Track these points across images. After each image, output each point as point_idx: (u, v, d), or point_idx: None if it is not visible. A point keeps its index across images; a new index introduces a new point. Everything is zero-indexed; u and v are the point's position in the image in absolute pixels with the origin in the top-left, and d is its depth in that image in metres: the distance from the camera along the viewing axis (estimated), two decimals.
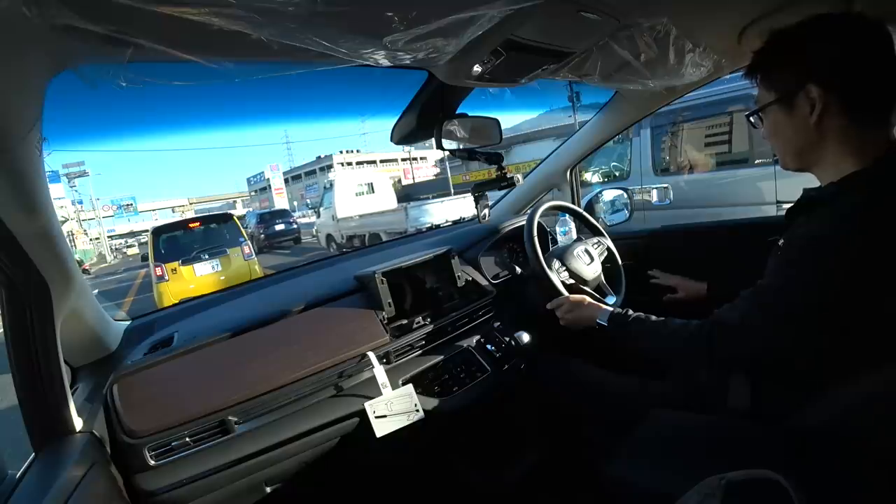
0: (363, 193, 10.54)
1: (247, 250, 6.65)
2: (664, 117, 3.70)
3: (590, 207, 1.64)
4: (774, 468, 0.55)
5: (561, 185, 1.79)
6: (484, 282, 1.41)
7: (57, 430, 0.80)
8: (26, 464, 0.75)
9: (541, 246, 1.28)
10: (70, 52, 0.56)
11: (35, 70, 0.56)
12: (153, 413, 0.90)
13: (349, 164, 46.00)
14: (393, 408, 1.04)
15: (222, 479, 0.93)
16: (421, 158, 41.21)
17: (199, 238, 6.77)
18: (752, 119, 0.82)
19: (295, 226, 15.10)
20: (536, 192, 1.81)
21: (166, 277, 6.12)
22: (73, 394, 0.85)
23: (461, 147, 1.27)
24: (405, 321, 1.21)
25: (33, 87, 0.57)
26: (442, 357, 1.22)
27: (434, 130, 1.17)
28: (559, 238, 1.47)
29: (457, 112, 1.23)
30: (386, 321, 1.17)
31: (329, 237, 10.66)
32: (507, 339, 1.29)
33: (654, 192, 2.97)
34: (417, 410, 1.05)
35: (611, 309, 1.02)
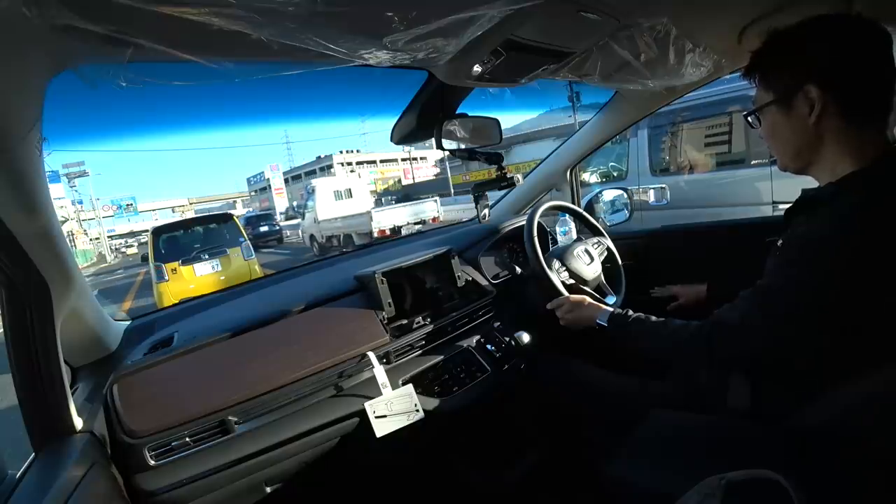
0: (342, 198, 11.37)
1: (246, 250, 6.68)
2: (662, 118, 3.72)
3: (590, 207, 1.64)
4: (774, 468, 0.55)
5: (561, 185, 1.79)
6: (484, 282, 1.41)
7: (57, 430, 0.80)
8: (26, 464, 0.75)
9: (541, 246, 1.28)
10: (70, 52, 0.56)
11: (35, 70, 0.56)
12: (153, 413, 0.90)
13: (349, 163, 46.03)
14: (393, 408, 1.04)
15: (222, 479, 0.93)
16: (421, 158, 41.24)
17: (199, 238, 6.80)
18: (749, 119, 0.82)
19: (277, 227, 16.82)
20: (536, 192, 1.81)
21: (166, 277, 6.13)
22: (73, 394, 0.85)
23: (461, 147, 1.27)
24: (405, 321, 1.21)
25: (33, 87, 0.57)
26: (442, 357, 1.22)
27: (434, 130, 1.18)
28: (559, 238, 1.47)
29: (457, 112, 1.23)
30: (386, 321, 1.17)
31: (312, 237, 11.47)
32: (507, 339, 1.29)
33: (651, 193, 2.89)
34: (417, 410, 1.05)
35: (611, 309, 1.02)
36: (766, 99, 0.77)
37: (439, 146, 1.18)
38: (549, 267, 1.27)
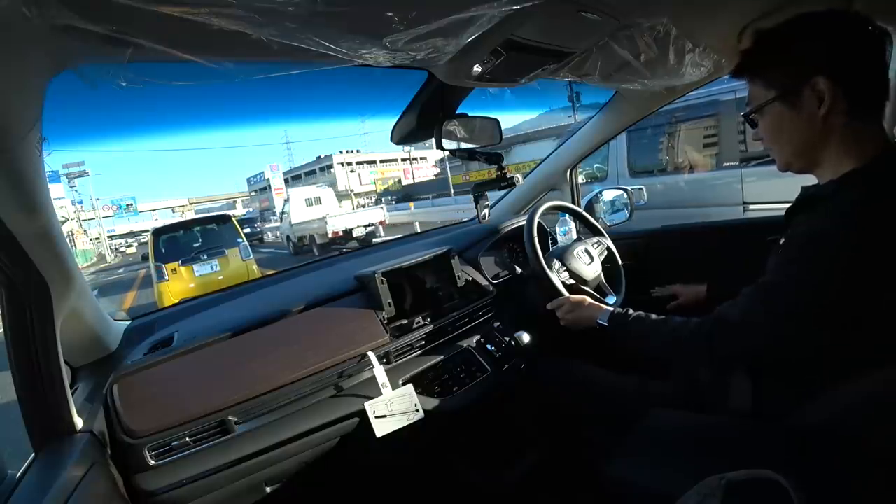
0: (312, 204, 13.10)
1: (244, 250, 6.78)
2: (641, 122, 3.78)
3: (590, 207, 1.64)
4: (774, 468, 0.55)
5: (561, 185, 1.79)
6: (484, 282, 1.41)
7: (57, 430, 0.80)
8: (26, 464, 0.75)
9: (541, 246, 1.28)
10: (70, 52, 0.56)
11: (35, 70, 0.56)
12: (153, 413, 0.90)
13: (349, 163, 46.03)
14: (393, 408, 1.04)
15: (222, 479, 0.93)
16: (421, 158, 41.26)
17: (198, 239, 6.90)
18: (748, 120, 0.81)
19: (259, 229, 21.05)
20: (536, 192, 1.81)
21: (166, 277, 6.22)
22: (73, 394, 0.85)
23: (461, 147, 1.27)
24: (405, 321, 1.21)
25: (33, 87, 0.57)
26: (442, 357, 1.22)
27: (434, 130, 1.18)
28: (559, 238, 1.47)
29: (457, 112, 1.23)
30: (386, 321, 1.17)
31: (288, 237, 13.48)
32: (507, 339, 1.29)
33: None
34: (417, 410, 1.05)
35: (611, 309, 1.02)
36: (766, 96, 0.75)
37: (439, 146, 1.18)
38: (549, 267, 1.27)
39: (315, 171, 48.60)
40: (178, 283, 6.19)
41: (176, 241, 6.83)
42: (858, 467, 0.65)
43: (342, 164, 45.57)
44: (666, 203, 3.55)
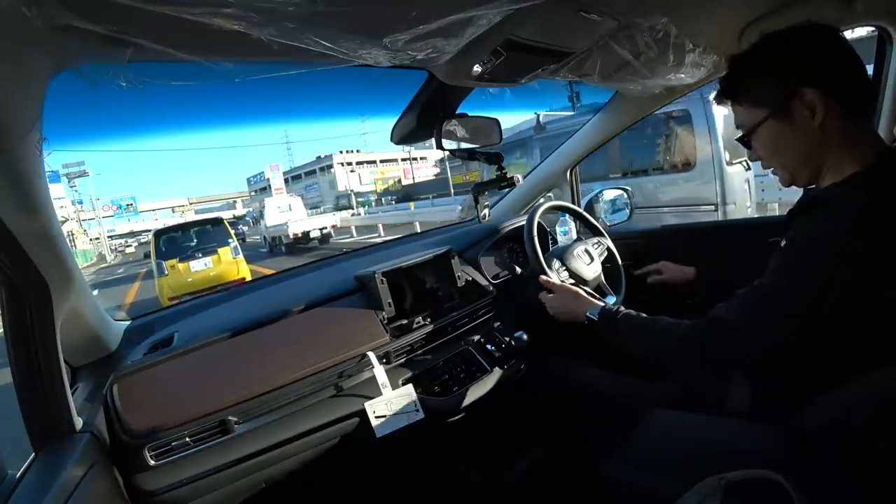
0: (284, 211, 15.29)
1: (234, 249, 7.50)
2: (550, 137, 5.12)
3: (590, 207, 1.64)
4: (774, 468, 0.55)
5: (561, 185, 1.79)
6: (484, 282, 1.41)
7: (57, 430, 0.80)
8: (26, 464, 0.75)
9: (541, 246, 1.28)
10: (70, 52, 0.56)
11: (35, 70, 0.56)
12: (153, 413, 0.90)
13: (349, 163, 46.06)
14: (393, 408, 1.04)
15: (222, 479, 0.93)
16: (421, 158, 41.26)
17: (194, 239, 7.70)
18: (743, 142, 0.80)
19: (241, 230, 22.99)
20: (536, 192, 1.81)
21: (166, 272, 6.88)
22: (73, 394, 0.85)
23: (461, 147, 1.27)
24: (405, 321, 1.21)
25: (33, 86, 0.57)
26: (442, 357, 1.22)
27: (434, 130, 1.18)
28: (559, 238, 1.47)
29: (457, 112, 1.23)
30: (386, 321, 1.17)
31: (264, 238, 16.16)
32: (507, 339, 1.29)
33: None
34: (417, 410, 1.05)
35: (602, 304, 1.01)
36: (759, 116, 0.75)
37: (439, 146, 1.18)
38: (549, 267, 1.27)
39: (315, 171, 48.65)
40: (177, 277, 6.88)
41: (175, 241, 7.58)
42: (858, 468, 0.65)
43: (342, 164, 45.61)
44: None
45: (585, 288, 1.29)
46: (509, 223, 1.65)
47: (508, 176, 1.32)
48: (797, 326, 0.70)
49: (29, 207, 0.66)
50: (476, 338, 1.30)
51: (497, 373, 1.24)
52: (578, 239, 1.44)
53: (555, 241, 1.50)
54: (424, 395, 1.11)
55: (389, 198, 33.37)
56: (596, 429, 1.19)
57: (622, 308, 0.96)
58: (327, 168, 46.54)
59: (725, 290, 0.79)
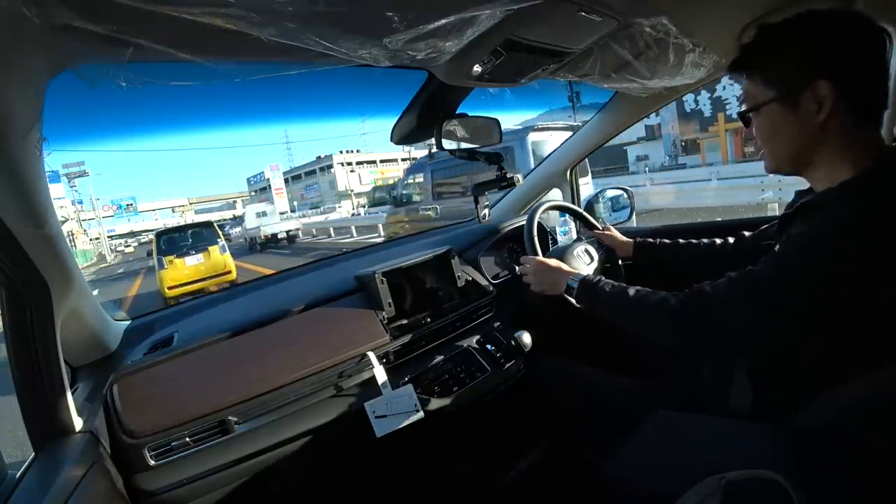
0: (261, 216, 18.03)
1: (221, 248, 8.95)
2: (439, 163, 6.37)
3: (590, 207, 1.64)
4: (774, 468, 0.55)
5: (561, 184, 1.79)
6: (484, 282, 1.41)
7: (57, 430, 0.80)
8: (26, 464, 0.75)
9: (541, 246, 1.28)
10: (70, 52, 0.56)
11: (35, 70, 0.56)
12: (153, 413, 0.90)
13: (349, 163, 46.04)
14: (393, 408, 1.04)
15: (222, 479, 0.93)
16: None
17: (188, 238, 9.17)
18: (743, 118, 0.78)
19: (227, 231, 24.07)
20: (536, 192, 1.81)
21: (165, 266, 8.29)
22: (73, 393, 0.85)
23: (461, 147, 1.27)
24: (405, 321, 1.21)
25: (33, 86, 0.57)
26: (442, 357, 1.22)
27: (434, 130, 1.17)
28: (559, 238, 1.47)
29: (457, 112, 1.23)
30: (386, 321, 1.17)
31: (244, 238, 18.96)
32: (507, 339, 1.29)
33: (430, 211, 6.27)
34: (417, 410, 1.05)
35: (583, 274, 0.99)
36: (766, 96, 0.72)
37: (439, 146, 1.18)
38: None
39: (315, 172, 48.63)
40: (174, 271, 8.29)
41: (173, 241, 9.04)
42: (858, 468, 0.65)
43: (342, 165, 45.59)
44: (448, 215, 5.81)
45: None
46: (509, 223, 1.65)
47: (508, 176, 1.31)
48: (783, 318, 0.68)
49: (29, 207, 0.66)
50: (476, 338, 1.30)
51: (497, 373, 1.24)
52: (578, 239, 1.44)
53: (555, 241, 1.50)
54: (424, 394, 1.11)
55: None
56: (596, 429, 1.19)
57: (602, 278, 0.95)
58: (327, 168, 46.52)
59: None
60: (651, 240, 1.28)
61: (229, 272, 8.60)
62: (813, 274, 0.65)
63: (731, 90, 16.94)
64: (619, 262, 1.45)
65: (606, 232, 1.36)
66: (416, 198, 6.92)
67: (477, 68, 0.91)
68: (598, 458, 0.93)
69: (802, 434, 0.73)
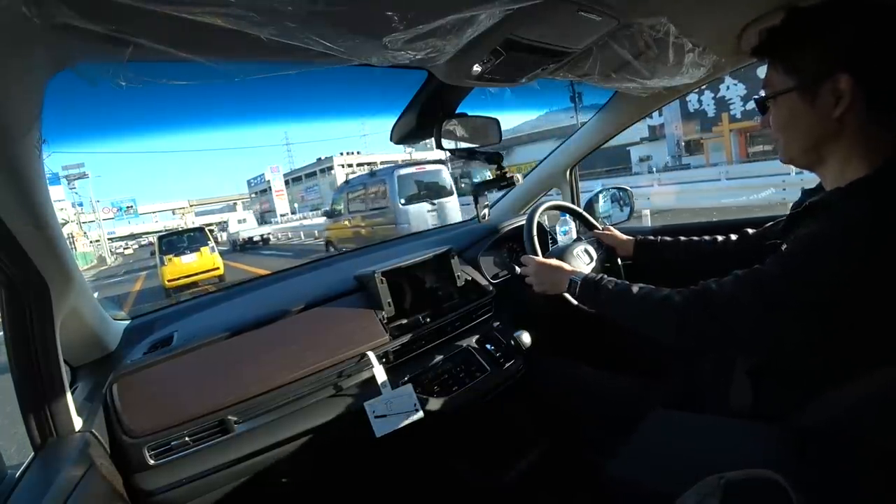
0: (242, 223, 21.94)
1: (211, 248, 11.15)
2: (350, 187, 8.89)
3: (589, 207, 1.64)
4: (774, 468, 0.55)
5: (561, 184, 1.79)
6: (484, 281, 1.41)
7: (56, 430, 0.80)
8: (26, 463, 0.75)
9: (541, 246, 1.28)
10: (69, 50, 0.56)
11: (35, 69, 0.56)
12: (152, 412, 0.90)
13: (350, 165, 46.04)
14: (392, 407, 1.04)
15: (221, 478, 0.93)
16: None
17: (185, 241, 11.27)
18: (759, 104, 0.76)
19: (215, 236, 29.87)
20: (536, 192, 1.81)
21: (165, 263, 10.51)
22: (72, 393, 0.85)
23: (461, 147, 1.27)
24: (405, 321, 1.21)
25: (33, 86, 0.57)
26: (442, 357, 1.22)
27: (434, 130, 1.18)
28: (559, 238, 1.47)
29: (456, 112, 1.23)
30: (385, 321, 1.17)
31: (228, 240, 22.37)
32: (507, 338, 1.29)
33: (346, 221, 8.59)
34: (417, 410, 1.05)
35: (584, 273, 0.99)
36: (786, 84, 0.70)
37: (439, 146, 1.18)
38: None
39: (315, 173, 48.64)
40: (173, 267, 10.43)
41: (171, 243, 11.24)
42: (858, 467, 0.65)
43: (342, 166, 45.60)
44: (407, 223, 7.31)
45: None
46: (509, 223, 1.65)
47: (508, 176, 1.32)
48: (788, 317, 0.68)
49: (29, 207, 0.67)
50: (476, 337, 1.30)
51: (497, 373, 1.23)
52: (578, 239, 1.44)
53: (555, 241, 1.50)
54: (424, 394, 1.11)
55: None
56: (596, 428, 1.19)
57: (604, 276, 0.95)
58: (328, 170, 46.52)
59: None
60: (652, 238, 1.28)
61: (217, 268, 10.75)
62: (820, 274, 0.64)
63: (734, 90, 16.89)
64: (619, 261, 1.45)
65: (606, 231, 1.36)
66: (339, 211, 9.01)
67: (476, 68, 0.91)
68: (598, 457, 0.93)
69: (803, 433, 0.73)
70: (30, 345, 0.75)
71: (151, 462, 0.88)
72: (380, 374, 1.06)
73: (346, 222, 8.71)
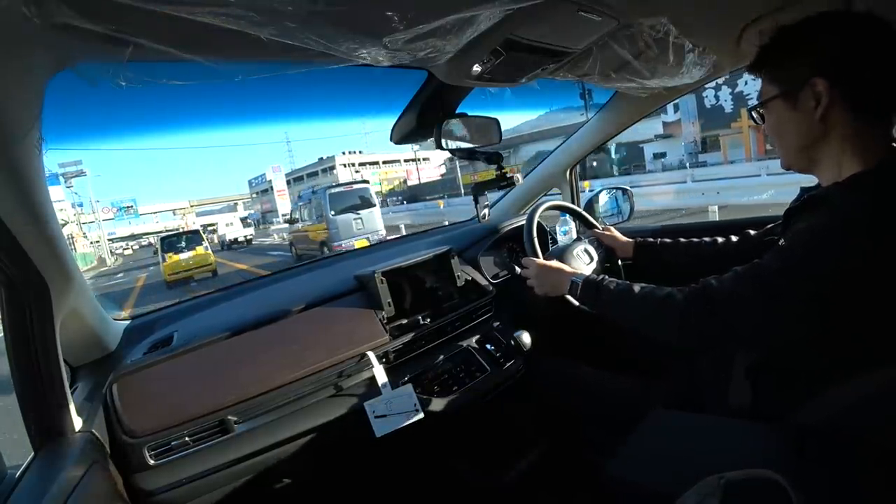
0: (230, 225, 26.56)
1: (205, 247, 13.36)
2: (301, 200, 12.42)
3: (589, 207, 1.64)
4: (774, 468, 0.55)
5: (561, 184, 1.79)
6: (483, 281, 1.41)
7: (56, 430, 0.80)
8: (26, 463, 0.75)
9: (541, 246, 1.28)
10: (69, 50, 0.56)
11: (35, 69, 0.56)
12: (153, 412, 0.90)
13: (352, 164, 46.05)
14: (392, 408, 1.04)
15: (222, 478, 0.93)
16: (424, 159, 41.29)
17: (182, 241, 13.51)
18: (754, 115, 0.80)
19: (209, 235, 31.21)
20: (536, 192, 1.81)
21: (166, 260, 12.74)
22: (72, 393, 0.85)
23: (461, 147, 1.27)
24: (405, 321, 1.21)
25: (33, 86, 0.57)
26: (442, 357, 1.22)
27: (434, 130, 1.18)
28: (559, 238, 1.47)
29: (456, 112, 1.23)
30: (385, 321, 1.17)
31: (218, 241, 25.57)
32: (507, 338, 1.29)
33: (300, 224, 12.00)
34: (417, 410, 1.05)
35: (585, 274, 0.99)
36: (771, 93, 0.75)
37: (439, 146, 1.18)
38: None
39: (317, 173, 48.65)
40: (171, 263, 12.53)
41: (171, 242, 13.51)
42: (858, 467, 0.65)
43: (345, 166, 45.61)
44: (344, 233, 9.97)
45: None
46: (509, 223, 1.65)
47: (508, 175, 1.31)
48: (790, 311, 0.68)
49: (29, 207, 0.67)
50: (476, 337, 1.30)
51: (497, 373, 1.24)
52: (578, 239, 1.44)
53: (555, 241, 1.50)
54: (424, 394, 1.11)
55: (395, 198, 33.82)
56: (596, 428, 1.19)
57: (605, 277, 0.95)
58: (330, 169, 46.53)
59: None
60: (651, 239, 1.28)
61: (210, 264, 12.94)
62: (819, 267, 0.65)
63: (752, 85, 16.70)
64: (619, 262, 1.45)
65: (606, 232, 1.36)
66: (297, 218, 12.15)
67: (477, 68, 0.91)
68: (598, 457, 0.93)
69: (802, 433, 0.73)
70: (30, 345, 0.75)
71: (151, 462, 0.88)
72: (380, 374, 1.06)
73: (300, 227, 11.88)
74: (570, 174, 1.78)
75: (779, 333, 0.72)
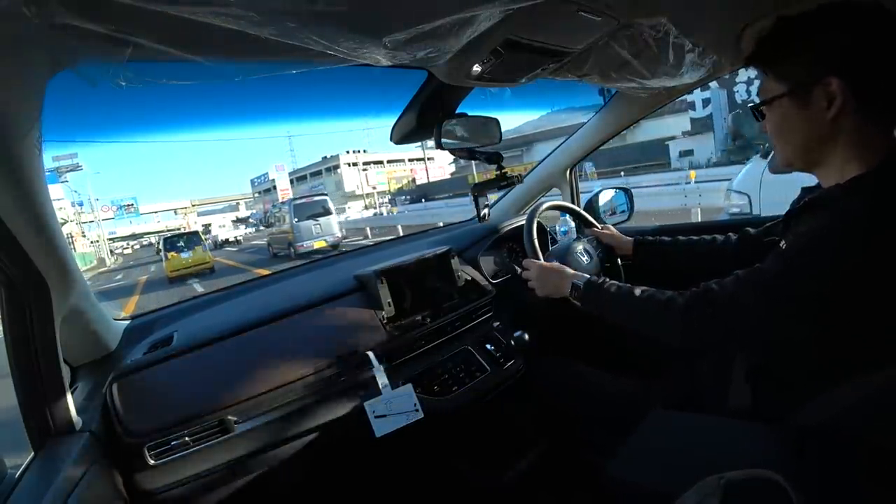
0: (223, 227, 30.79)
1: (204, 247, 14.85)
2: (274, 205, 19.79)
3: (589, 207, 1.63)
4: (774, 468, 0.55)
5: (561, 184, 1.79)
6: (483, 281, 1.41)
7: (56, 430, 0.80)
8: (25, 463, 0.75)
9: (541, 245, 1.28)
10: (69, 51, 0.56)
11: (35, 69, 0.56)
12: (152, 412, 0.90)
13: (356, 164, 46.00)
14: (392, 407, 1.04)
15: (222, 478, 0.94)
16: (429, 159, 41.33)
17: (182, 241, 14.60)
18: (755, 111, 0.78)
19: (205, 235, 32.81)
20: (536, 192, 1.81)
21: (168, 258, 14.00)
22: (72, 393, 0.86)
23: (461, 147, 1.27)
24: (405, 321, 1.21)
25: (33, 86, 0.57)
26: (442, 357, 1.22)
27: (434, 130, 1.17)
28: (559, 238, 1.47)
29: (456, 112, 1.23)
30: (385, 321, 1.17)
31: (210, 241, 25.52)
32: (507, 338, 1.29)
33: (273, 228, 16.11)
34: (417, 410, 1.05)
35: (587, 276, 0.98)
36: (777, 90, 0.71)
37: (439, 146, 1.18)
38: None
39: (321, 172, 48.64)
40: (173, 261, 13.70)
41: (172, 242, 14.64)
42: (858, 467, 0.65)
43: (349, 165, 45.57)
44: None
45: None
46: (509, 223, 1.65)
47: (508, 175, 1.31)
48: (792, 313, 0.68)
49: (29, 207, 0.67)
50: (476, 337, 1.30)
51: (497, 373, 1.24)
52: (578, 238, 1.44)
53: (555, 241, 1.50)
54: (424, 394, 1.11)
55: (403, 197, 34.02)
56: (596, 429, 1.19)
57: (606, 279, 0.94)
58: (334, 168, 46.50)
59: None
60: (651, 239, 1.28)
61: (208, 262, 14.11)
62: (820, 269, 0.65)
63: None
64: (619, 261, 1.45)
65: (606, 231, 1.36)
66: (273, 223, 14.76)
67: (477, 68, 0.91)
68: (598, 457, 0.93)
69: (802, 433, 0.73)
70: (30, 345, 0.75)
71: (151, 462, 0.88)
72: (380, 375, 1.06)
73: (274, 230, 15.15)
74: (570, 174, 1.78)
75: (779, 335, 0.72)
